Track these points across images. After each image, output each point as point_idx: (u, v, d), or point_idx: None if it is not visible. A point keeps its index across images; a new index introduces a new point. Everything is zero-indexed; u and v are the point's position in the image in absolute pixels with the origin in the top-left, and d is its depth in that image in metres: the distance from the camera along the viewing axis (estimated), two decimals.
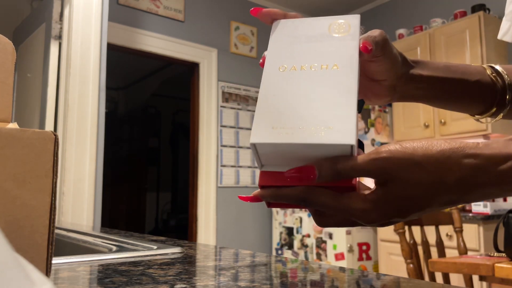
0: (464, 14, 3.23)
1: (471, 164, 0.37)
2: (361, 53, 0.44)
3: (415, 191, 0.38)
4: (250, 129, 3.99)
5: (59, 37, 2.53)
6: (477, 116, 0.60)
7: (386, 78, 0.50)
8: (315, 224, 3.40)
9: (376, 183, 0.40)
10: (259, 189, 0.42)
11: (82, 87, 2.40)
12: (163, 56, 3.65)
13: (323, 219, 0.43)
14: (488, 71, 0.57)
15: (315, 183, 0.39)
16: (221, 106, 3.85)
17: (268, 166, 0.41)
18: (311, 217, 3.63)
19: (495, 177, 0.37)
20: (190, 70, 3.90)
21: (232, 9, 4.06)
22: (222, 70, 3.91)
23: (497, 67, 0.58)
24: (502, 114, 0.58)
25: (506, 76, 0.58)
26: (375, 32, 0.46)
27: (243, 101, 3.99)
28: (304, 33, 0.46)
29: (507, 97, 0.57)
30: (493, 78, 0.57)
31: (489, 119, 0.60)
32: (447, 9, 3.57)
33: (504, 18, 0.84)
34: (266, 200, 0.42)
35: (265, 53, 0.48)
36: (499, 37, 0.85)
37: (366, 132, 3.43)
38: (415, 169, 0.37)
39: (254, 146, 0.40)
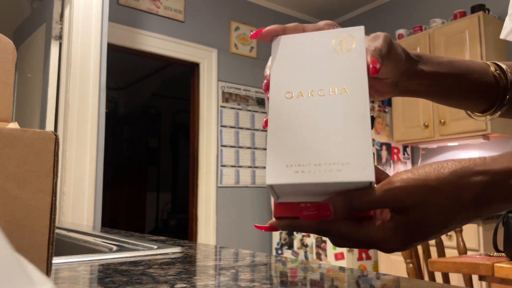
0: (463, 14, 3.23)
1: (482, 181, 0.37)
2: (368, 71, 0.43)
3: (433, 215, 0.38)
4: (250, 129, 3.99)
5: (60, 37, 2.53)
6: (476, 114, 0.59)
7: (389, 77, 0.49)
8: None
9: (391, 211, 0.39)
10: (274, 219, 0.42)
11: (82, 87, 2.40)
12: (163, 56, 3.65)
13: (339, 241, 0.43)
14: (492, 68, 0.56)
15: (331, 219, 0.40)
16: (221, 106, 3.85)
17: (284, 197, 0.41)
18: None
19: (505, 191, 0.37)
20: (190, 70, 3.90)
21: (232, 9, 4.06)
22: (222, 70, 3.91)
23: (501, 64, 0.57)
24: (499, 112, 0.57)
25: (509, 75, 0.56)
26: (378, 41, 0.44)
27: (243, 101, 3.99)
28: (307, 51, 0.44)
29: (508, 96, 0.56)
30: (497, 75, 0.56)
31: (488, 117, 0.59)
32: (447, 9, 3.57)
33: (507, 18, 0.84)
34: (283, 230, 0.42)
35: (267, 71, 0.46)
36: (501, 36, 0.85)
37: None
38: (431, 194, 0.37)
39: (270, 186, 0.39)
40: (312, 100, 0.41)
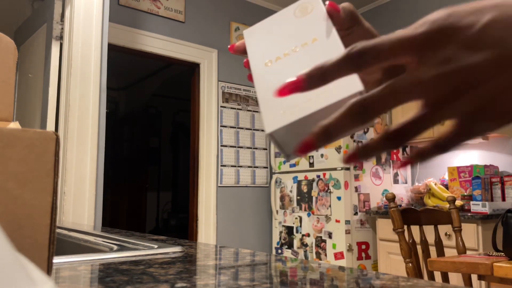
0: None
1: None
2: (332, 17, 0.44)
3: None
4: (250, 129, 3.99)
5: (60, 37, 2.53)
6: None
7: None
8: (315, 224, 3.41)
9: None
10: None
11: (83, 87, 2.40)
12: (164, 57, 3.65)
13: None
14: None
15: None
16: (221, 106, 3.85)
17: (291, 150, 0.41)
18: (311, 217, 3.62)
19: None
20: (190, 70, 3.90)
21: (232, 9, 4.06)
22: (222, 71, 3.91)
23: None
24: None
25: None
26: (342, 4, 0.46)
27: (243, 101, 4.00)
28: (274, 27, 0.48)
29: None
30: None
31: None
32: None
33: None
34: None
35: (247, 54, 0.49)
36: None
37: (365, 132, 3.43)
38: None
39: (272, 136, 0.39)
40: (289, 58, 0.43)
